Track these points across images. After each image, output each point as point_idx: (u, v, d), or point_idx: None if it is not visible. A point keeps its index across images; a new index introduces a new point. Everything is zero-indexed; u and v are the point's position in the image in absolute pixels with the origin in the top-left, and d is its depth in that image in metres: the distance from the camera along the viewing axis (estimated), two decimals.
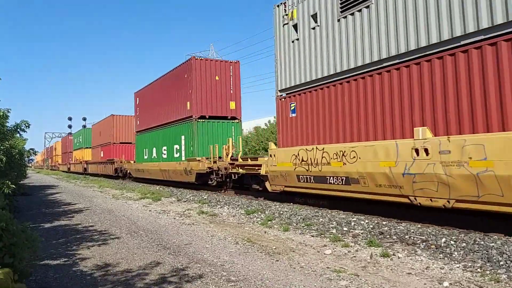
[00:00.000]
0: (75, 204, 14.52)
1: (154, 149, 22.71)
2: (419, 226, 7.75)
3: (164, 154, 21.16)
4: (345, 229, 7.88)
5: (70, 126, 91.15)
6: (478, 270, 5.15)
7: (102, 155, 35.47)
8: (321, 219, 8.91)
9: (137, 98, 26.57)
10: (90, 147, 41.73)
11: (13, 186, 8.34)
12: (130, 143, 32.23)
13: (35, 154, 12.80)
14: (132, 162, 27.50)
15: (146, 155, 24.07)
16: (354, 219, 8.68)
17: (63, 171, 57.30)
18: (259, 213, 10.37)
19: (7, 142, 9.17)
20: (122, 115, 33.80)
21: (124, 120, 33.58)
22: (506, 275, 4.87)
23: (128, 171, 28.17)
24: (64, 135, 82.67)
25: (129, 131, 32.62)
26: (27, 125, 9.89)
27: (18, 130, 9.89)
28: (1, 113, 8.48)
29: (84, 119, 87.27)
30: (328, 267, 5.42)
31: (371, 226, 7.99)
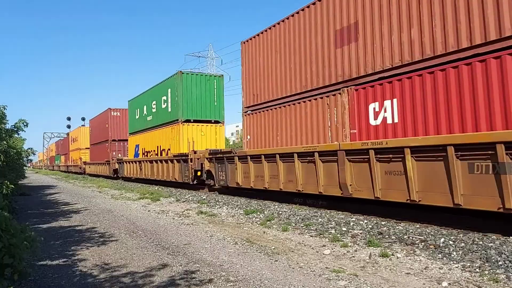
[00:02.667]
0: (74, 204, 14.51)
1: None
2: (417, 226, 7.76)
3: None
4: (344, 229, 7.89)
5: (69, 126, 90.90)
6: (477, 270, 5.16)
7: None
8: (320, 219, 8.92)
9: None
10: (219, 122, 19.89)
11: (12, 186, 8.34)
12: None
13: (34, 154, 12.74)
14: None
15: None
16: (353, 219, 8.69)
17: (96, 175, 34.31)
18: (258, 213, 10.38)
19: (5, 142, 9.15)
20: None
21: None
22: (504, 275, 4.88)
23: None
24: (64, 135, 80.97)
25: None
26: (25, 124, 9.86)
27: (17, 129, 9.85)
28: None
29: (83, 119, 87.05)
30: (327, 267, 5.42)
31: (370, 226, 8.00)
